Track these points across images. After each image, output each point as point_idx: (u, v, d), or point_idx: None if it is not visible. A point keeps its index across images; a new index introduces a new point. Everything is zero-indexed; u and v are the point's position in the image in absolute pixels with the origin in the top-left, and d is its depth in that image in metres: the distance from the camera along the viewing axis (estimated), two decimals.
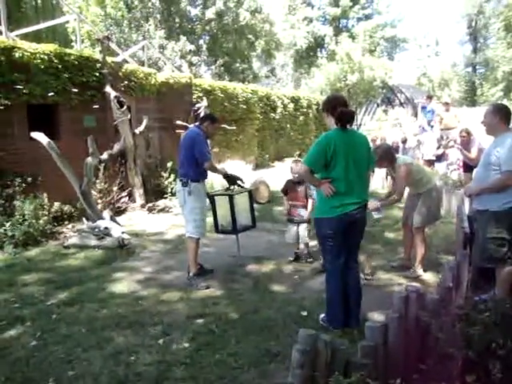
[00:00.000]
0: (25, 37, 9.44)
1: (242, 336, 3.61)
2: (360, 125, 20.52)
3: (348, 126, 3.62)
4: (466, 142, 7.49)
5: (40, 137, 6.65)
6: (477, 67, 43.99)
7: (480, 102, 38.13)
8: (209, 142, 5.13)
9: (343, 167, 3.52)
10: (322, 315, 3.78)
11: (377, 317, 3.79)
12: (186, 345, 3.49)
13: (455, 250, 4.72)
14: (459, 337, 2.44)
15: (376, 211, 4.68)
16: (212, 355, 3.32)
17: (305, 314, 4.01)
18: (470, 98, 42.32)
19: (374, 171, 9.54)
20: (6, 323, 3.94)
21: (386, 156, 4.89)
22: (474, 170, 7.38)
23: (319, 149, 3.56)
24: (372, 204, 4.56)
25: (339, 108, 3.56)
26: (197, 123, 5.23)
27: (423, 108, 15.44)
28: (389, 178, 9.76)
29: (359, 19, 37.42)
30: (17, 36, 8.97)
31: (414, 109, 20.53)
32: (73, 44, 15.57)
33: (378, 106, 23.97)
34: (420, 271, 4.93)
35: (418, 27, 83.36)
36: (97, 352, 3.42)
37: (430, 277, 4.87)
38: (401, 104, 23.65)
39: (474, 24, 42.38)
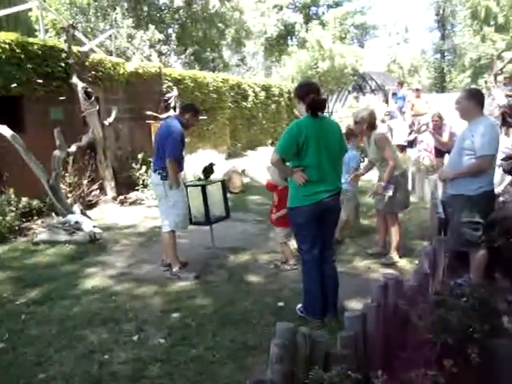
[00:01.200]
0: None
1: (219, 329, 3.56)
2: (332, 112, 20.48)
3: (320, 114, 3.57)
4: (438, 126, 7.58)
5: (3, 130, 6.41)
6: (445, 54, 44.62)
7: (449, 89, 38.76)
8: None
9: (315, 155, 3.48)
10: (299, 305, 3.75)
11: (354, 305, 3.79)
12: (162, 341, 3.41)
13: (429, 235, 4.75)
14: (437, 323, 2.43)
15: (385, 191, 4.81)
16: (189, 350, 3.26)
17: (281, 304, 3.97)
18: (439, 84, 42.97)
19: None
20: None
21: (370, 118, 4.95)
22: (446, 155, 7.50)
23: (290, 136, 3.50)
24: (379, 187, 4.82)
25: (311, 95, 3.51)
26: (174, 113, 5.08)
27: (394, 94, 15.56)
28: (361, 164, 9.82)
29: (329, 6, 37.34)
30: None
31: (385, 95, 20.64)
32: (37, 33, 15.02)
33: (349, 93, 23.97)
34: (396, 257, 4.95)
35: (388, 14, 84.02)
36: (69, 352, 3.31)
37: (405, 263, 4.89)
38: (372, 91, 23.73)
39: (441, 11, 42.89)
